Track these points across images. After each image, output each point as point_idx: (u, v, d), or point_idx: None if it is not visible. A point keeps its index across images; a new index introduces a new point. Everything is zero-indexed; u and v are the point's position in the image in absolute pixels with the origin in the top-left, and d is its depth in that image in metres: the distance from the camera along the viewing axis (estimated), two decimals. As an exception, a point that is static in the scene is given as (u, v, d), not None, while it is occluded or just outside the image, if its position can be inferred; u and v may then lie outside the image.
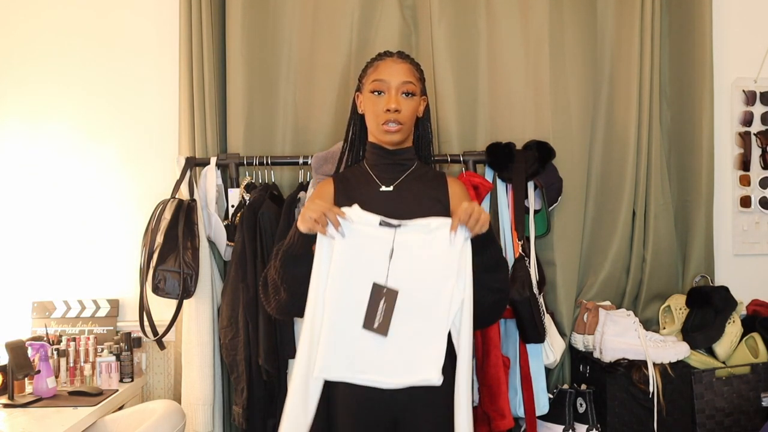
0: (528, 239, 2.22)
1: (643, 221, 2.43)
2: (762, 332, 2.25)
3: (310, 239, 1.53)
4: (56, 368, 2.22)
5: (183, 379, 2.20)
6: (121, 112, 2.46)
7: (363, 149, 1.75)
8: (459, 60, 2.37)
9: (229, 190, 2.22)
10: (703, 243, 2.47)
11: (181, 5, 2.33)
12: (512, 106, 2.39)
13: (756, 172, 2.58)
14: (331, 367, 1.48)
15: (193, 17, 2.29)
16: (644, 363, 2.11)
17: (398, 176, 1.68)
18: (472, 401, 1.59)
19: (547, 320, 2.18)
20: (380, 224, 1.51)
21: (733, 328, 2.26)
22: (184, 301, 2.12)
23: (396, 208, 1.60)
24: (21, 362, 2.04)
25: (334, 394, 1.54)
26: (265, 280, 1.64)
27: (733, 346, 2.24)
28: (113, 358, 2.26)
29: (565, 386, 2.26)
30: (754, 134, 2.58)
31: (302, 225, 1.51)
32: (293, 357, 1.98)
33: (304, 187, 2.23)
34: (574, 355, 2.36)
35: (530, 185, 2.22)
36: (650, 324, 2.42)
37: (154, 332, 2.15)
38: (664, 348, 2.16)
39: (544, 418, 2.18)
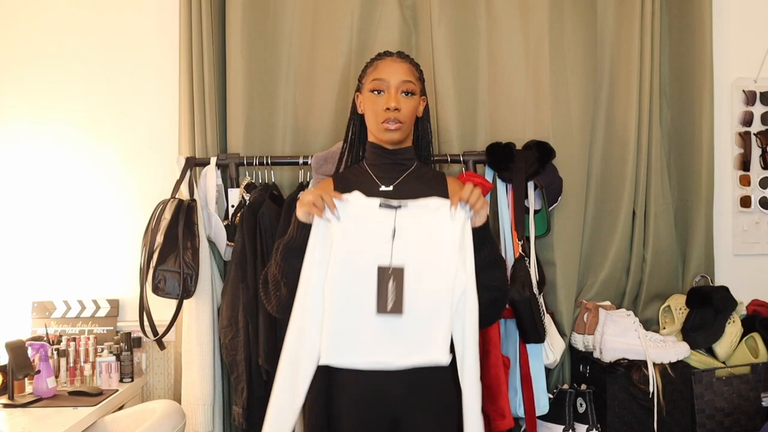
0: (528, 239, 2.22)
1: (643, 221, 2.43)
2: (762, 332, 2.25)
3: (310, 230, 1.53)
4: (56, 368, 2.22)
5: (183, 379, 2.20)
6: (121, 112, 2.47)
7: (363, 149, 1.75)
8: (459, 60, 2.37)
9: (229, 190, 2.22)
10: (703, 243, 2.47)
11: (181, 5, 2.33)
12: (512, 106, 2.39)
13: (756, 172, 2.58)
14: (336, 354, 1.47)
15: (193, 17, 2.29)
16: (644, 363, 2.11)
17: (398, 176, 1.68)
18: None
19: (547, 320, 2.18)
20: (380, 206, 1.52)
21: (733, 328, 2.26)
22: (184, 301, 2.12)
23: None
24: (21, 362, 2.04)
25: (334, 393, 1.54)
26: (265, 278, 1.64)
27: (733, 346, 2.24)
28: (113, 358, 2.26)
29: (565, 386, 2.26)
30: (754, 134, 2.58)
31: (300, 211, 1.53)
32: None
33: (304, 187, 2.23)
34: (574, 355, 2.36)
35: (530, 185, 2.22)
36: (650, 324, 2.42)
37: (154, 332, 2.15)
38: (664, 348, 2.16)
39: (544, 418, 2.18)
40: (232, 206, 2.19)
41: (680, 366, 2.15)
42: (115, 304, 2.42)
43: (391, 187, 1.66)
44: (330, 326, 1.47)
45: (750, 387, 2.16)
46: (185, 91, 2.32)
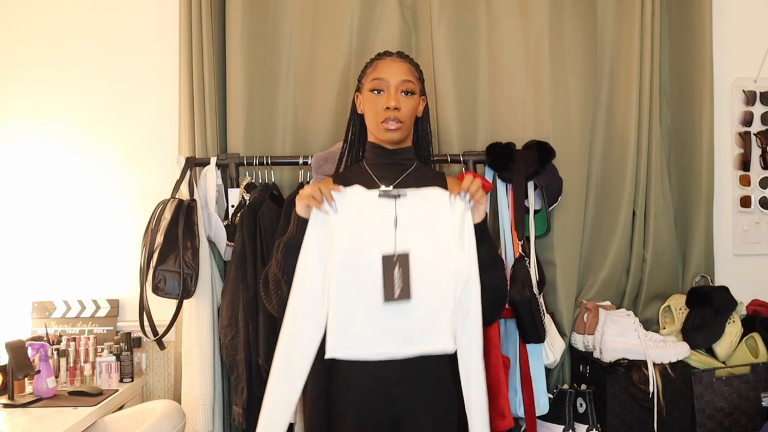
0: (528, 239, 2.22)
1: (643, 221, 2.43)
2: (762, 332, 2.25)
3: None
4: (56, 368, 2.22)
5: (183, 379, 2.20)
6: (121, 112, 2.47)
7: (363, 149, 1.75)
8: (459, 60, 2.37)
9: (229, 190, 2.22)
10: (703, 243, 2.47)
11: (181, 5, 2.33)
12: (512, 106, 2.39)
13: (756, 172, 2.58)
14: (342, 346, 1.46)
15: (193, 17, 2.29)
16: (644, 363, 2.11)
17: (398, 176, 1.68)
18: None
19: (547, 320, 2.18)
20: (380, 196, 1.53)
21: (733, 328, 2.26)
22: (184, 301, 2.12)
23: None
24: (21, 362, 2.04)
25: (335, 393, 1.54)
26: (266, 277, 1.64)
27: (733, 346, 2.24)
28: (113, 358, 2.26)
29: (565, 386, 2.26)
30: (754, 134, 2.58)
31: (299, 205, 1.54)
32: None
33: (303, 187, 2.22)
34: (574, 355, 2.36)
35: (530, 185, 2.22)
36: (650, 324, 2.42)
37: (154, 332, 2.15)
38: (664, 348, 2.16)
39: (544, 418, 2.18)
40: (232, 206, 2.19)
41: (680, 366, 2.15)
42: (115, 304, 2.42)
43: (390, 187, 1.66)
44: (335, 320, 1.46)
45: (750, 387, 2.16)
46: (185, 91, 2.32)
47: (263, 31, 2.36)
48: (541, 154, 2.22)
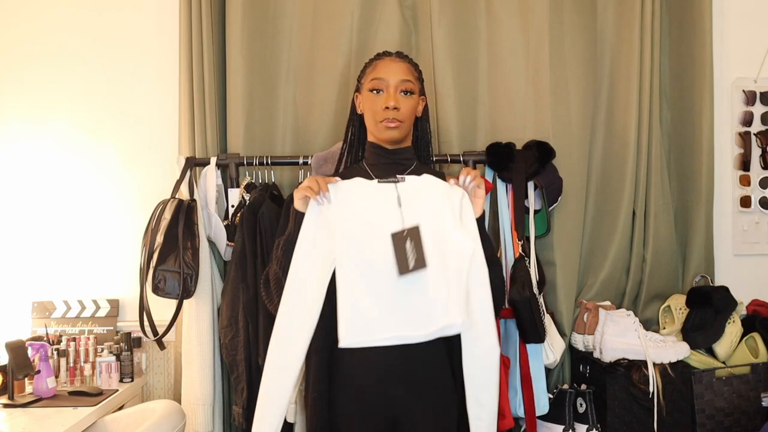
0: (528, 239, 2.22)
1: (643, 221, 2.43)
2: (762, 332, 2.25)
3: None
4: (56, 368, 2.22)
5: (183, 379, 2.20)
6: (121, 112, 2.47)
7: (362, 149, 1.75)
8: (459, 60, 2.37)
9: (229, 190, 2.22)
10: (703, 243, 2.47)
11: (181, 5, 2.33)
12: (512, 105, 2.39)
13: (756, 172, 2.58)
14: (354, 334, 1.45)
15: (193, 17, 2.29)
16: (644, 363, 2.11)
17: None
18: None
19: (547, 320, 2.18)
20: (379, 182, 1.56)
21: (733, 328, 2.26)
22: (184, 301, 2.12)
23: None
24: (21, 362, 2.04)
25: (335, 393, 1.54)
26: (266, 278, 1.64)
27: (733, 346, 2.24)
28: (113, 358, 2.26)
29: (565, 386, 2.26)
30: (754, 134, 2.58)
31: (297, 197, 1.55)
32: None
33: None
34: (574, 355, 2.36)
35: (530, 185, 2.22)
36: (650, 324, 2.42)
37: (154, 332, 2.15)
38: (664, 348, 2.15)
39: (544, 418, 2.18)
40: (232, 206, 2.19)
41: (680, 366, 2.15)
42: (115, 304, 2.42)
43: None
44: (345, 308, 1.45)
45: (750, 387, 2.16)
46: (185, 91, 2.32)
47: (263, 31, 2.36)
48: (541, 154, 2.22)
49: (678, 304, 2.37)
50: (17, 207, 2.45)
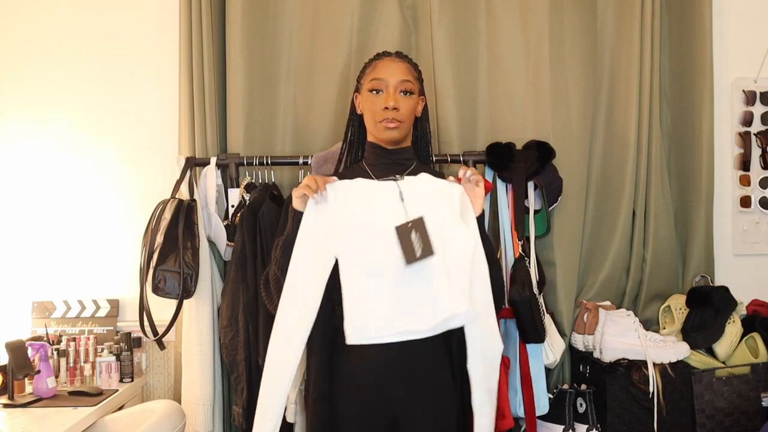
0: (528, 239, 2.22)
1: (643, 221, 2.43)
2: (762, 332, 2.25)
3: None
4: (56, 368, 2.22)
5: (183, 379, 2.20)
6: (121, 112, 2.47)
7: (362, 150, 1.75)
8: (459, 60, 2.37)
9: (229, 190, 2.22)
10: (703, 243, 2.47)
11: (181, 5, 2.33)
12: (512, 105, 2.39)
13: (756, 172, 2.58)
14: (360, 330, 1.44)
15: (193, 17, 2.29)
16: (644, 363, 2.11)
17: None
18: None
19: (547, 320, 2.18)
20: (380, 179, 1.58)
21: (733, 328, 2.26)
22: (184, 301, 2.12)
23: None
24: (21, 362, 2.04)
25: (335, 394, 1.54)
26: (266, 278, 1.64)
27: (733, 346, 2.24)
28: (113, 358, 2.26)
29: (565, 386, 2.26)
30: (754, 134, 2.58)
31: (295, 196, 1.56)
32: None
33: (302, 186, 2.23)
34: (574, 355, 2.36)
35: (530, 185, 2.22)
36: (650, 324, 2.42)
37: (154, 332, 2.15)
38: (664, 348, 2.16)
39: (544, 418, 2.18)
40: (232, 206, 2.19)
41: (680, 366, 2.15)
42: (115, 304, 2.42)
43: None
44: (350, 305, 1.45)
45: (750, 387, 2.16)
46: (185, 91, 2.32)
47: (263, 31, 2.36)
48: (541, 154, 2.22)
49: (678, 304, 2.37)
50: (17, 207, 2.45)
